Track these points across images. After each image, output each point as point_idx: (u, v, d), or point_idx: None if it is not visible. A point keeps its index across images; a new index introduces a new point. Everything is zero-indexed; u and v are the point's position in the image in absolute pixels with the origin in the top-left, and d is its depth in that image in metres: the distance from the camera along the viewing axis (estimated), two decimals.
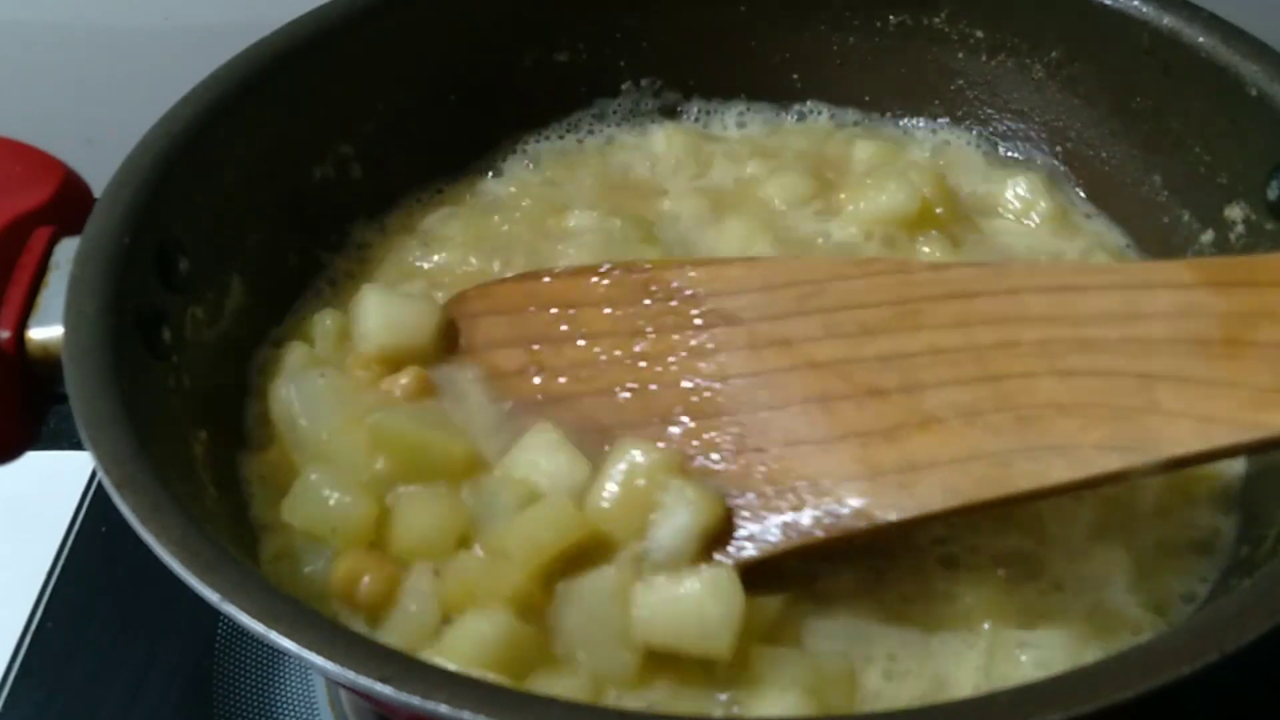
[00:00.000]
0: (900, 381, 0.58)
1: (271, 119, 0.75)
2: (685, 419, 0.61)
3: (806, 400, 0.59)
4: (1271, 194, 0.71)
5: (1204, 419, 0.53)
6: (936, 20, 0.84)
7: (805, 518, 0.57)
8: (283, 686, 0.82)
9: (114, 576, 0.90)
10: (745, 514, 0.59)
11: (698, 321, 0.63)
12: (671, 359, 0.63)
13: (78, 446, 0.54)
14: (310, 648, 0.47)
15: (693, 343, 0.62)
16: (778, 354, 0.60)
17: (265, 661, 0.83)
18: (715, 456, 0.60)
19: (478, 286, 0.71)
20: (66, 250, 0.64)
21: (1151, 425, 0.53)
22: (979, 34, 0.84)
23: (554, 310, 0.67)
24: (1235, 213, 0.73)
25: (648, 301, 0.65)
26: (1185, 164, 0.76)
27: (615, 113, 0.89)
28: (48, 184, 0.67)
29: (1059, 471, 0.54)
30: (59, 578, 0.90)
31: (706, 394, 0.61)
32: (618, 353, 0.64)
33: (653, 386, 0.62)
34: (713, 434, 0.60)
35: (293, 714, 0.80)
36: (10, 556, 0.91)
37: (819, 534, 0.57)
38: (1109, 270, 0.59)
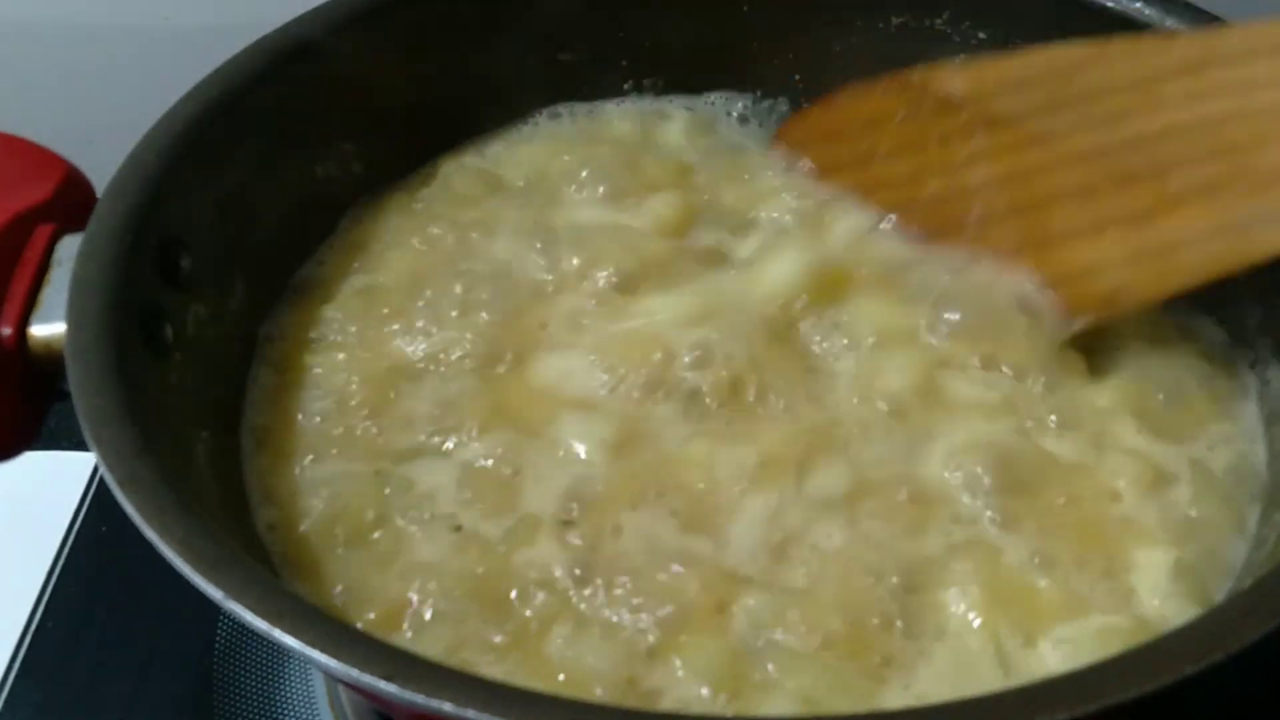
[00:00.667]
0: (1148, 164, 0.62)
1: (273, 117, 0.75)
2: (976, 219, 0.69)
3: (1072, 193, 0.65)
4: None
5: None
6: (938, 22, 0.84)
7: (1086, 306, 0.65)
8: (283, 686, 0.82)
9: (114, 576, 0.90)
10: None
11: (968, 126, 0.69)
12: (959, 163, 0.69)
13: (78, 446, 0.55)
14: (314, 646, 0.47)
15: (969, 149, 0.69)
16: (1040, 151, 0.66)
17: (266, 661, 0.83)
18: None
19: (797, 118, 0.82)
20: (68, 247, 0.64)
21: None
22: (981, 36, 0.84)
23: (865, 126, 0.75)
24: None
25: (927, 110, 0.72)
26: None
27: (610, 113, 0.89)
28: (49, 181, 0.67)
29: None
30: (59, 578, 0.90)
31: (984, 196, 0.68)
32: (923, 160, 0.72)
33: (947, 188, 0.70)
34: (998, 231, 0.68)
35: (293, 714, 0.80)
36: (10, 556, 0.91)
37: (1100, 316, 0.65)
38: None
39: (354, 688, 0.50)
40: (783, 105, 0.89)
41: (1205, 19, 0.74)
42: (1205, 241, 0.61)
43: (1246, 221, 0.60)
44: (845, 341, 0.70)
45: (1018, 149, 0.66)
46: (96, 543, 0.92)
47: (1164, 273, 0.63)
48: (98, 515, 0.93)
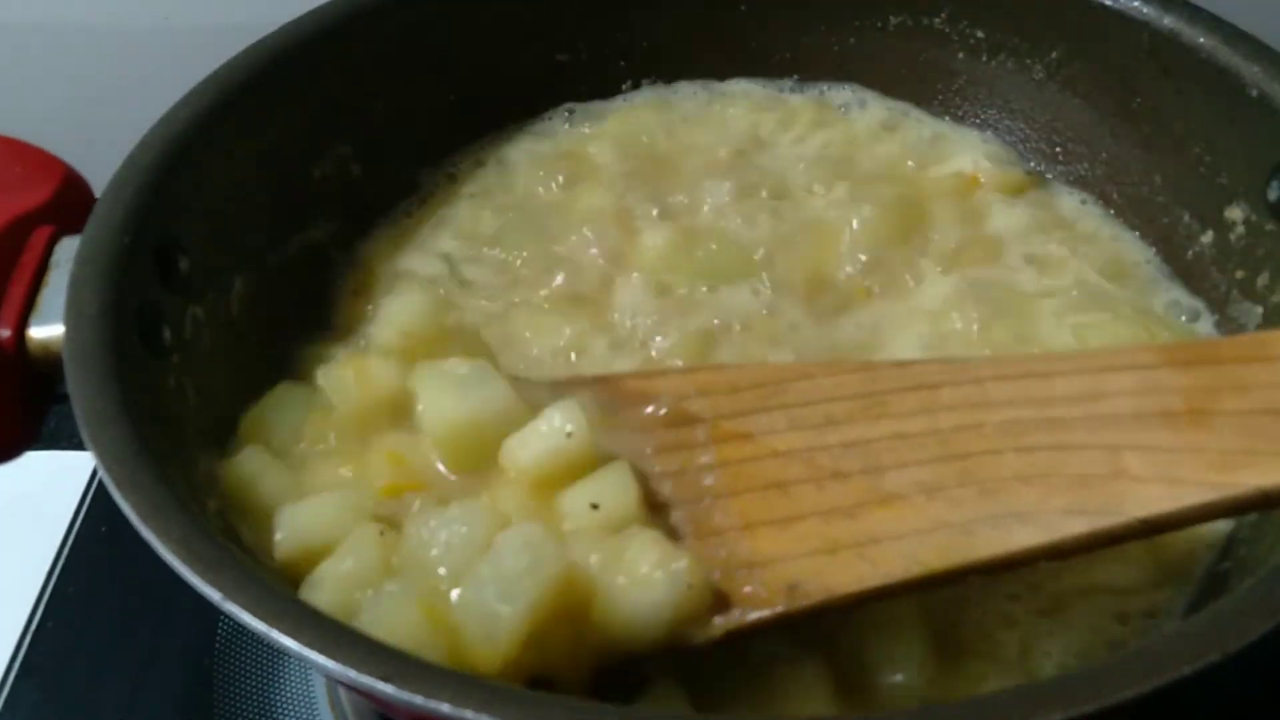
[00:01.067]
0: (863, 465, 0.58)
1: (271, 119, 0.75)
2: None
3: (767, 486, 0.60)
4: (1272, 195, 0.71)
5: (1172, 481, 0.53)
6: (937, 20, 0.85)
7: (764, 596, 0.57)
8: (283, 686, 0.82)
9: (114, 576, 0.90)
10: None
11: (665, 422, 0.64)
12: (669, 462, 0.63)
13: (78, 446, 0.54)
14: (312, 646, 0.47)
15: (659, 440, 0.63)
16: (738, 446, 0.61)
17: (265, 661, 0.83)
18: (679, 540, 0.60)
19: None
20: (67, 249, 0.64)
21: (1118, 490, 0.54)
22: (979, 34, 0.84)
23: None
24: (1236, 213, 0.73)
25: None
26: (1186, 165, 0.76)
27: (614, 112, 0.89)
28: (48, 183, 0.67)
29: (1023, 537, 0.54)
30: (59, 578, 0.90)
31: (667, 485, 0.61)
32: None
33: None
34: (672, 519, 0.60)
35: (293, 714, 0.80)
36: (10, 556, 0.91)
37: (778, 610, 0.56)
38: (1072, 357, 0.59)
39: (352, 688, 0.50)
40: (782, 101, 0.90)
41: (1203, 16, 0.74)
42: (919, 536, 0.56)
43: (968, 521, 0.55)
44: None
45: (714, 444, 0.62)
46: (96, 543, 0.92)
47: (863, 565, 0.56)
48: (98, 515, 0.93)
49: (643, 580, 0.55)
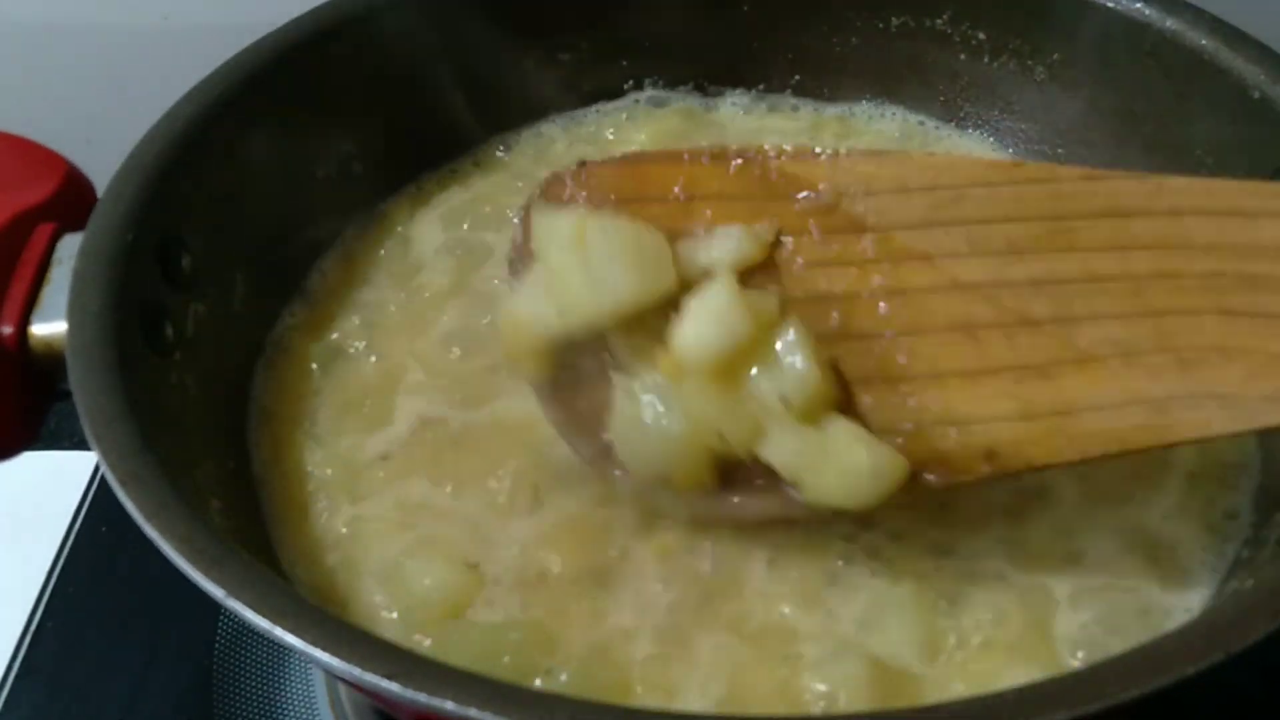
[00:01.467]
0: (1053, 311, 0.52)
1: (273, 117, 0.75)
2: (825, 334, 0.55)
3: (952, 327, 0.53)
4: None
5: None
6: (939, 22, 0.85)
7: (962, 462, 0.53)
8: (283, 686, 0.82)
9: (114, 576, 0.89)
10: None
11: (825, 225, 0.56)
12: (799, 265, 0.56)
13: (78, 446, 0.55)
14: (316, 645, 0.47)
15: (820, 251, 0.56)
16: (918, 270, 0.54)
17: (266, 661, 0.83)
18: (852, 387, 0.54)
19: (584, 168, 0.61)
20: (69, 246, 0.64)
21: None
22: (981, 36, 0.84)
23: (678, 198, 0.59)
24: None
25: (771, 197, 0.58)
26: (1187, 167, 0.76)
27: (616, 111, 0.89)
28: (50, 180, 0.67)
29: (1221, 423, 0.50)
30: (59, 578, 0.90)
31: (836, 313, 0.55)
32: None
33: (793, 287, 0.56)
34: (848, 358, 0.54)
35: (293, 713, 0.80)
36: (10, 556, 0.91)
37: (979, 475, 0.53)
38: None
39: (356, 686, 0.50)
40: (784, 103, 0.90)
41: (1205, 18, 0.74)
42: (1115, 411, 0.51)
43: (1164, 398, 0.51)
44: None
45: (887, 262, 0.55)
46: (96, 543, 0.92)
47: (1060, 439, 0.52)
48: (98, 515, 0.93)
49: (850, 482, 0.53)
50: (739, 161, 0.58)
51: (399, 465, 0.68)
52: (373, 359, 0.73)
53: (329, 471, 0.68)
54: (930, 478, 0.53)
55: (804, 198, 0.56)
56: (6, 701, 0.83)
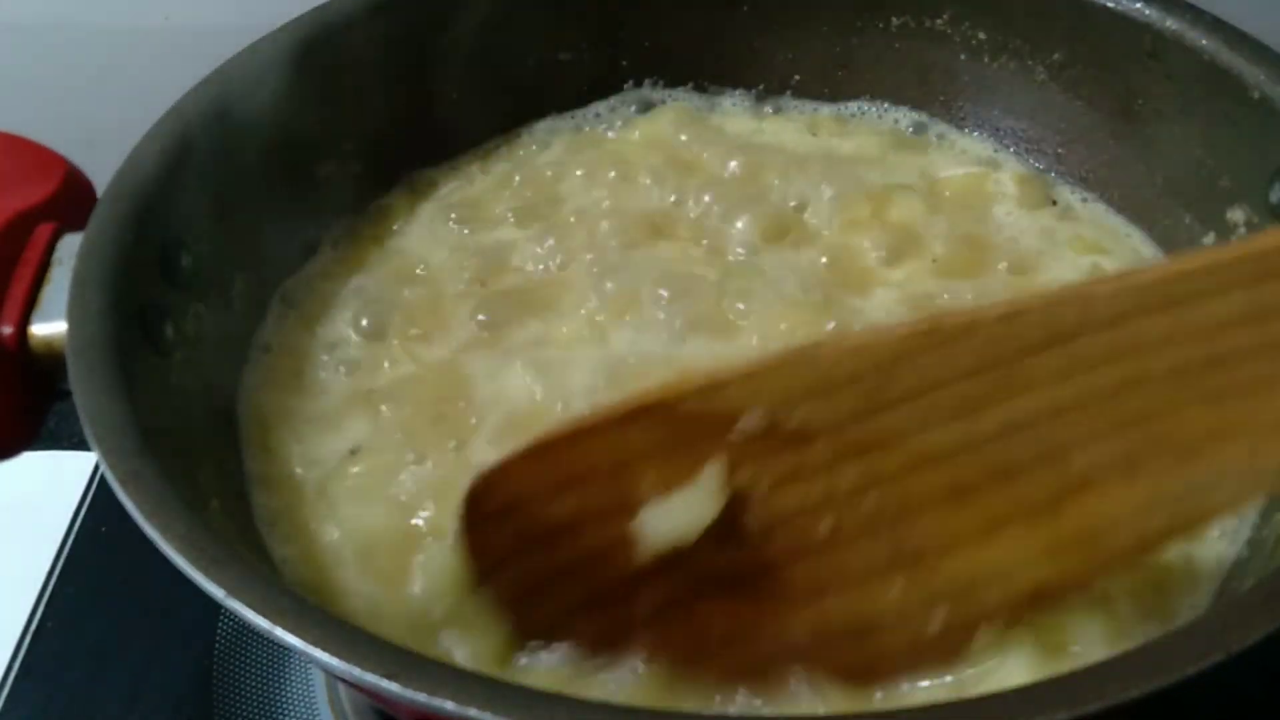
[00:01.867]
0: (1036, 451, 0.51)
1: (273, 117, 0.75)
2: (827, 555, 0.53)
3: (944, 499, 0.52)
4: (1274, 197, 0.71)
5: None
6: (939, 22, 0.85)
7: (1005, 612, 0.52)
8: (283, 686, 0.82)
9: (114, 576, 0.89)
10: None
11: (768, 448, 0.53)
12: (763, 493, 0.53)
13: (78, 446, 0.55)
14: (316, 644, 0.47)
15: (778, 471, 0.53)
16: (883, 457, 0.52)
17: (266, 661, 0.83)
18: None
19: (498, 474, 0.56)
20: (69, 246, 0.64)
21: None
22: (981, 36, 0.84)
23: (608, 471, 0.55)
24: (1237, 215, 0.73)
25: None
26: (1187, 167, 0.76)
27: (615, 112, 0.89)
28: (50, 180, 0.67)
29: (1246, 494, 0.52)
30: (59, 578, 0.90)
31: (822, 524, 0.53)
32: None
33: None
34: (852, 559, 0.52)
35: (293, 714, 0.80)
36: (10, 556, 0.91)
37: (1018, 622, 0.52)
38: (1217, 267, 0.50)
39: (356, 686, 0.50)
40: (784, 103, 0.90)
41: (1205, 18, 0.74)
42: (1137, 519, 0.51)
43: (1182, 493, 0.50)
44: None
45: (846, 460, 0.52)
46: (96, 543, 0.92)
47: (1095, 559, 0.52)
48: (98, 515, 0.93)
49: None
50: (651, 415, 0.54)
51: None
52: (371, 359, 0.73)
53: (323, 471, 0.68)
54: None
55: (737, 429, 0.52)
56: (6, 701, 0.83)
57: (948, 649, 0.53)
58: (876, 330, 0.57)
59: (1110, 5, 0.77)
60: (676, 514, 0.52)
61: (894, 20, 0.86)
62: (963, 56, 0.85)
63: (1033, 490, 0.51)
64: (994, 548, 0.52)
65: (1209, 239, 0.75)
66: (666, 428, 0.53)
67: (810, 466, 0.52)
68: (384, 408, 0.70)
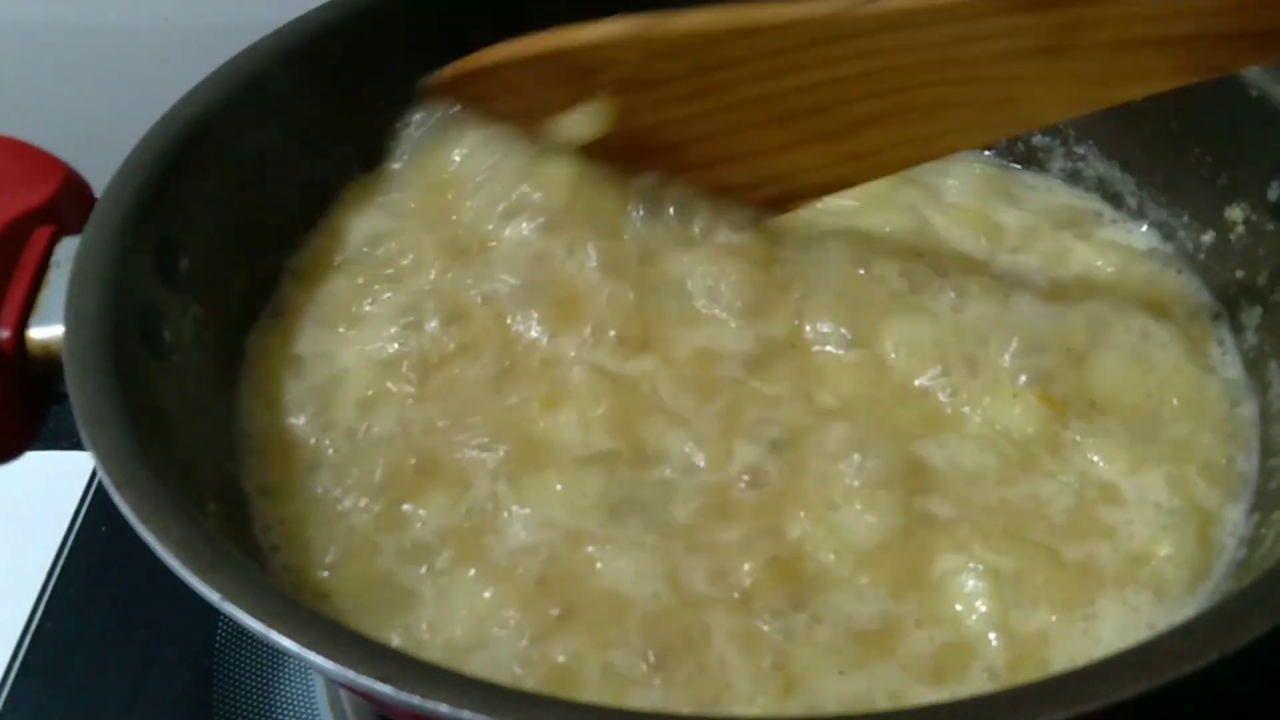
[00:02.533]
0: (823, 102, 0.69)
1: (272, 118, 0.75)
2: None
3: (759, 123, 0.71)
4: (1272, 195, 0.71)
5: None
6: None
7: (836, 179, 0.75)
8: (283, 687, 0.82)
9: (114, 576, 0.90)
10: None
11: (636, 84, 0.72)
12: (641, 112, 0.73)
13: (78, 446, 0.54)
14: (311, 647, 0.47)
15: (649, 97, 0.73)
16: (718, 96, 0.71)
17: (265, 662, 0.83)
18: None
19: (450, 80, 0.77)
20: (67, 249, 0.64)
21: (1023, 108, 0.68)
22: None
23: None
24: (1236, 214, 0.73)
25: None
26: (1185, 165, 0.76)
27: None
28: (48, 183, 0.67)
29: (964, 144, 0.74)
30: (59, 578, 0.90)
31: (679, 129, 0.73)
32: None
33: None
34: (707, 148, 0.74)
35: (292, 714, 0.80)
36: (10, 556, 0.91)
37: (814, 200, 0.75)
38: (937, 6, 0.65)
39: (351, 689, 0.50)
40: None
41: None
42: (894, 149, 0.71)
43: (922, 137, 0.70)
44: None
45: (692, 97, 0.71)
46: (96, 543, 0.92)
47: (867, 168, 0.73)
48: (98, 515, 0.93)
49: None
50: (550, 59, 0.74)
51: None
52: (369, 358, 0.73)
53: (320, 470, 0.67)
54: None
55: (611, 73, 0.72)
56: (6, 701, 0.83)
57: (779, 209, 0.77)
58: (698, 15, 0.73)
59: None
60: (579, 122, 0.74)
61: None
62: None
63: (824, 124, 0.71)
64: (803, 154, 0.73)
65: (1208, 237, 0.75)
66: (561, 67, 0.73)
67: (669, 96, 0.72)
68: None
